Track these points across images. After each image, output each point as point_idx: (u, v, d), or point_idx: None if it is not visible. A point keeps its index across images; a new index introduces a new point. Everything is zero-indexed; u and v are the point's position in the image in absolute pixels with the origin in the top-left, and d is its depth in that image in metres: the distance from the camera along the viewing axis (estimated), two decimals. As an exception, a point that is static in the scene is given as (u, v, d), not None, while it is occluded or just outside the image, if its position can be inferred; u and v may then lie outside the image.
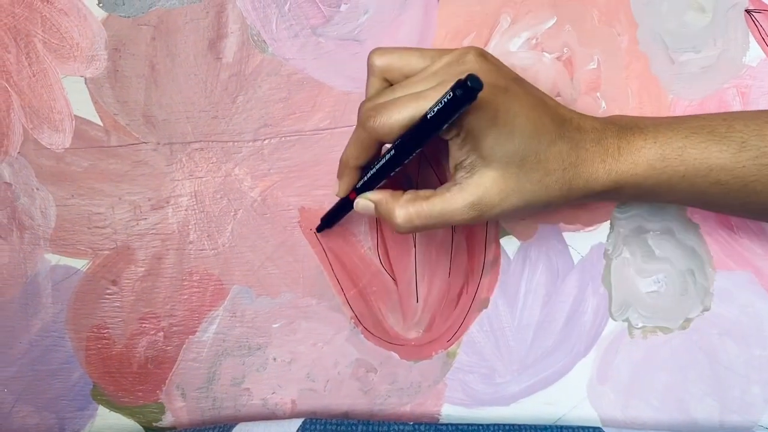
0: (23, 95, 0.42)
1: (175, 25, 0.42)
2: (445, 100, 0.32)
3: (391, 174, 0.38)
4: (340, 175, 0.40)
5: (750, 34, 0.43)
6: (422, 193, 0.37)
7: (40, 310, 0.44)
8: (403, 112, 0.34)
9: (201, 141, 0.43)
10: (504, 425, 0.43)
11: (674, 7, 0.42)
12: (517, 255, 0.44)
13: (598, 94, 0.43)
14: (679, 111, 0.43)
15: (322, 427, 0.42)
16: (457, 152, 0.36)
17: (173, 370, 0.45)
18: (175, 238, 0.44)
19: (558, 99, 0.43)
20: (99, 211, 0.44)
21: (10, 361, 0.45)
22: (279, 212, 0.44)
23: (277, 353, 0.45)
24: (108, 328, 0.45)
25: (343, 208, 0.42)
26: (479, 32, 0.43)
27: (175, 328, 0.45)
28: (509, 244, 0.44)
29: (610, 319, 0.45)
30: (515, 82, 0.36)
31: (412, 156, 0.36)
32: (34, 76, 0.42)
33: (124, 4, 0.42)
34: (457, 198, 0.36)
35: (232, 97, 0.43)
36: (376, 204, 0.38)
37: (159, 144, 0.43)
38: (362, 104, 0.37)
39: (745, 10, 0.43)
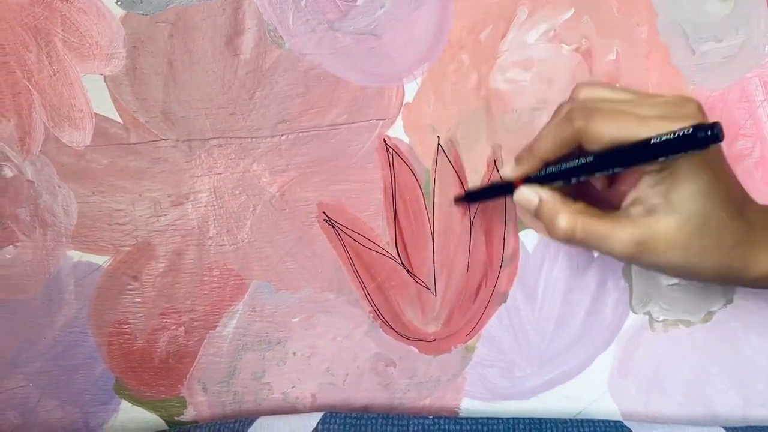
0: (44, 94, 0.43)
1: (192, 22, 0.42)
2: (681, 133, 0.31)
3: (573, 182, 0.36)
4: (520, 160, 0.38)
5: (773, 22, 0.42)
6: (592, 209, 0.36)
7: (63, 306, 0.45)
8: (621, 127, 0.33)
9: (219, 137, 0.43)
10: (524, 419, 0.43)
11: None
12: (536, 248, 0.44)
13: (617, 85, 0.43)
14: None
15: (342, 420, 0.42)
16: (646, 188, 0.35)
17: (194, 364, 0.45)
18: (194, 233, 0.44)
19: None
20: (120, 208, 0.44)
21: (34, 356, 0.45)
22: (297, 207, 0.44)
23: (297, 347, 0.45)
24: (129, 324, 0.45)
25: (498, 190, 0.40)
26: (496, 24, 0.42)
27: (195, 323, 0.45)
28: (528, 238, 0.44)
29: (630, 313, 0.45)
30: (721, 148, 0.36)
31: (607, 173, 0.35)
32: (54, 74, 0.43)
33: (142, 2, 0.42)
34: (627, 230, 0.35)
35: (250, 93, 0.43)
36: (543, 202, 0.37)
37: (178, 141, 0.43)
38: (578, 89, 0.36)
39: (768, -2, 0.42)
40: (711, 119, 0.42)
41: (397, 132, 0.43)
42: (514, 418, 0.43)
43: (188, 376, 0.45)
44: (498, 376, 0.45)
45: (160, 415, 0.46)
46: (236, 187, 0.44)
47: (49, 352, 0.45)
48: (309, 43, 0.43)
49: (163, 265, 0.45)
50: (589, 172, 0.35)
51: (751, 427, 0.43)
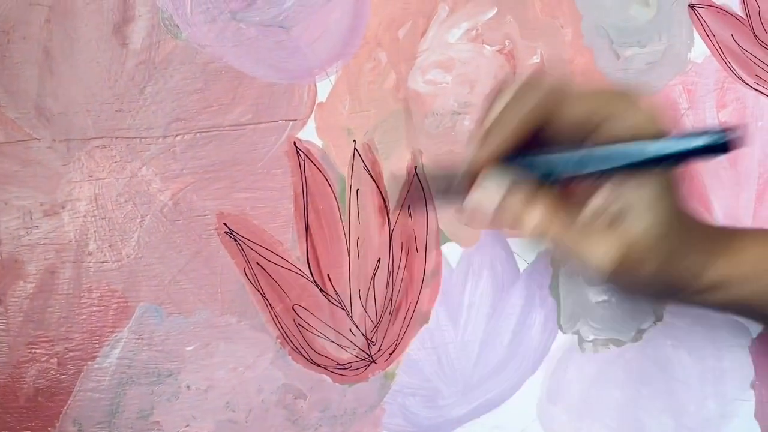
0: None
1: (73, 5, 0.38)
2: (703, 142, 0.29)
3: (551, 179, 0.32)
4: (485, 137, 0.32)
5: (694, 29, 0.42)
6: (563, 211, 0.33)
7: None
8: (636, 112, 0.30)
9: (103, 137, 0.39)
10: (448, 453, 0.39)
11: (618, 0, 0.41)
12: (459, 263, 0.41)
13: None
14: (625, 108, 0.41)
15: (243, 463, 0.37)
16: (607, 195, 0.32)
17: (69, 402, 0.40)
18: (71, 248, 0.39)
19: (500, 95, 0.41)
20: (-20, 219, 0.39)
21: None
22: (193, 218, 0.40)
23: (192, 380, 0.40)
24: None
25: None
26: (415, 21, 0.40)
27: (71, 354, 0.40)
28: (451, 252, 0.41)
29: (559, 332, 0.42)
30: None
31: (604, 174, 0.31)
32: None
33: (12, -21, 0.37)
34: (602, 242, 0.32)
35: (140, 87, 0.39)
36: (511, 190, 0.32)
37: (54, 141, 0.39)
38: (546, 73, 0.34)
39: (689, 5, 0.41)
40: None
41: (308, 134, 0.40)
42: (437, 452, 0.39)
43: (61, 416, 0.40)
44: (420, 406, 0.42)
45: (24, 465, 0.40)
46: (121, 195, 0.40)
47: None
48: (209, 34, 0.39)
49: (32, 285, 0.39)
50: (580, 168, 0.31)
51: (684, 452, 0.41)
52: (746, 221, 0.42)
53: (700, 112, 0.42)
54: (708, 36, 0.42)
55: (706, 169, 0.42)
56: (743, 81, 0.42)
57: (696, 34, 0.42)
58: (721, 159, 0.32)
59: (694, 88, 0.42)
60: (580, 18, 0.41)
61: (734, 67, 0.42)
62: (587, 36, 0.41)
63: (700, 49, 0.42)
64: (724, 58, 0.42)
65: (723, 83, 0.42)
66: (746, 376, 0.43)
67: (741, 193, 0.42)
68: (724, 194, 0.42)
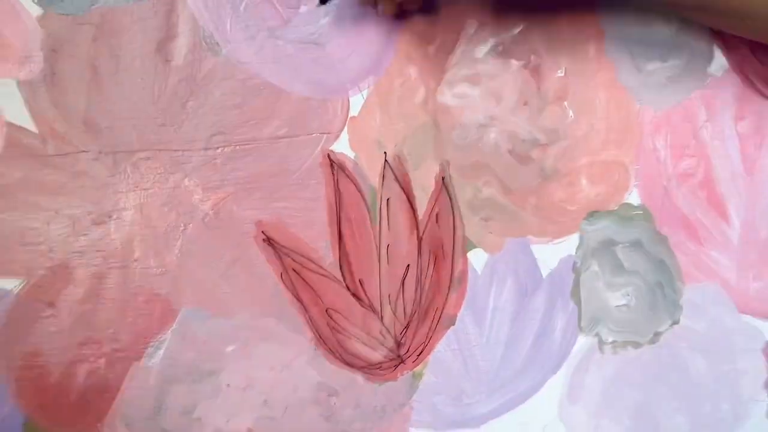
0: (-53, 99, 0.39)
1: (119, 24, 0.39)
2: None
3: None
4: None
5: (714, 43, 0.43)
6: None
7: (-36, 337, 0.40)
8: None
9: (147, 150, 0.40)
10: (474, 449, 0.41)
11: (640, 15, 0.42)
12: (485, 269, 0.43)
13: (565, 103, 0.42)
14: (646, 121, 0.43)
15: (280, 457, 0.39)
16: None
17: (117, 400, 0.41)
18: (118, 255, 0.41)
19: (524, 107, 0.42)
20: (33, 227, 0.40)
21: (-71, 394, 0.40)
22: (233, 226, 0.41)
23: (232, 379, 0.42)
24: (43, 356, 0.41)
25: None
26: (445, 38, 0.41)
27: (118, 354, 0.41)
28: (477, 258, 0.43)
29: (579, 335, 0.44)
30: None
31: None
32: (-41, 78, 0.38)
33: (62, 1, 0.39)
34: None
35: (182, 102, 0.40)
36: None
37: (101, 153, 0.40)
38: None
39: (710, 20, 0.42)
40: (657, 140, 0.43)
41: (341, 147, 0.41)
42: (464, 449, 0.41)
43: (109, 412, 0.41)
44: (446, 404, 0.43)
45: (76, 458, 0.41)
46: (165, 205, 0.41)
47: (-53, 390, 0.40)
48: (248, 51, 0.40)
49: (82, 290, 0.41)
50: None
51: (699, 449, 0.43)
52: (763, 230, 0.43)
53: (719, 125, 0.43)
54: (727, 50, 0.43)
55: (722, 177, 0.43)
56: (762, 94, 0.43)
57: (716, 48, 0.43)
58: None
59: (714, 102, 0.43)
60: (604, 33, 0.42)
61: (753, 80, 0.43)
62: (610, 50, 0.42)
63: (719, 63, 0.43)
64: (743, 71, 0.43)
65: (742, 96, 0.43)
66: (760, 377, 0.44)
67: (758, 200, 0.43)
68: (741, 202, 0.43)
